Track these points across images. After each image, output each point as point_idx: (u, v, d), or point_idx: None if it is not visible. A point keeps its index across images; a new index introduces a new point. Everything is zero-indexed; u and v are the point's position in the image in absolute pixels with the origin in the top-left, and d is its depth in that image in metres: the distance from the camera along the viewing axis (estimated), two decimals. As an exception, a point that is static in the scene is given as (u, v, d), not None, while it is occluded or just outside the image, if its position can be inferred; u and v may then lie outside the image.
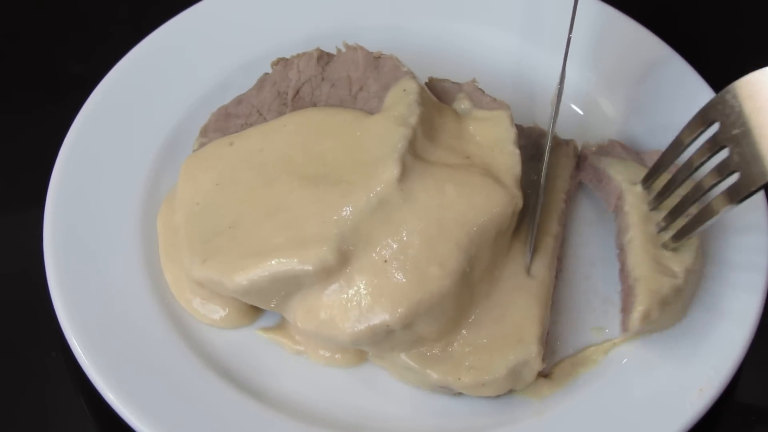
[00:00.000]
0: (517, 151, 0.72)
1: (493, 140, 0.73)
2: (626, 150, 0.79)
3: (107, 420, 0.68)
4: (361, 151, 0.71)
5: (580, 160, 0.79)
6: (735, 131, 0.66)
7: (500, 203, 0.68)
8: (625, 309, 0.71)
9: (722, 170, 0.66)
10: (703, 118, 0.69)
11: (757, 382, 0.75)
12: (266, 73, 0.78)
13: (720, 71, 0.87)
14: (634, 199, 0.74)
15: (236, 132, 0.76)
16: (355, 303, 0.66)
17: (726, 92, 0.67)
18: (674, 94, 0.82)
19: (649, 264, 0.70)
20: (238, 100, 0.78)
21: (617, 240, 0.75)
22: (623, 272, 0.73)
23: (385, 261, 0.67)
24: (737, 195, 0.65)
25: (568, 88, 0.84)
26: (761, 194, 0.75)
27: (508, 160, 0.71)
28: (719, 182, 0.67)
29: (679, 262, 0.70)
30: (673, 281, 0.69)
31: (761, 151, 0.64)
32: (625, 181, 0.75)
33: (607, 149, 0.79)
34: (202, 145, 0.76)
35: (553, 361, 0.71)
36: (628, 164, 0.77)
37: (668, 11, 0.80)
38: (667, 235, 0.71)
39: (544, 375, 0.70)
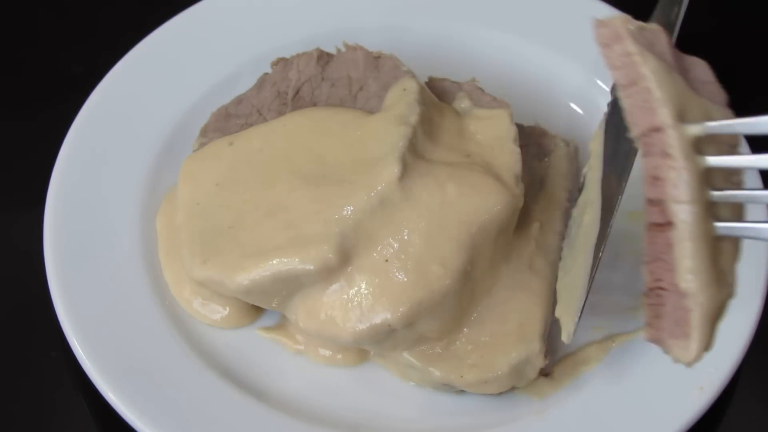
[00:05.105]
0: (518, 150, 0.72)
1: (494, 139, 0.73)
2: (676, 56, 0.53)
3: (107, 420, 0.68)
4: (362, 150, 0.71)
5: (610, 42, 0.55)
6: None
7: (501, 201, 0.68)
8: (664, 327, 0.52)
9: None
10: None
11: (757, 382, 0.75)
12: (266, 73, 0.78)
13: (722, 71, 0.87)
14: (685, 147, 0.48)
15: (236, 132, 0.76)
16: (357, 302, 0.66)
17: None
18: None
19: (707, 274, 0.49)
20: (238, 100, 0.78)
21: (646, 193, 0.49)
22: (657, 265, 0.51)
23: (386, 260, 0.67)
24: None
25: (568, 88, 0.84)
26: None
27: (509, 159, 0.71)
28: None
29: (731, 261, 0.49)
30: (728, 299, 0.49)
31: None
32: (672, 109, 0.49)
33: (651, 38, 0.53)
34: (202, 145, 0.76)
35: (555, 359, 0.71)
36: (676, 81, 0.51)
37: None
38: (724, 214, 0.49)
39: (545, 374, 0.70)
